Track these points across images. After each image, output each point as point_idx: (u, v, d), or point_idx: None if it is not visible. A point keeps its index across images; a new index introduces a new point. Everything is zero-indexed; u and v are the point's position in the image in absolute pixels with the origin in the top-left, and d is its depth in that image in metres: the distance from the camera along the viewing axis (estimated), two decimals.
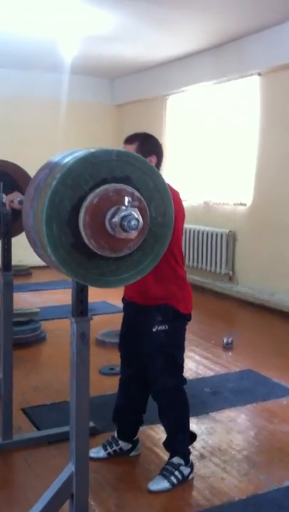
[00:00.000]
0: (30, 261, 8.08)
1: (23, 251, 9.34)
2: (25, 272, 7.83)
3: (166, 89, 7.70)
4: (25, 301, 6.29)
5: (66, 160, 1.71)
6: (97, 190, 1.67)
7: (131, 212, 1.64)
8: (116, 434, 2.95)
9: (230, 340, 4.73)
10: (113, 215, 1.65)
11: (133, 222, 1.63)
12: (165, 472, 2.70)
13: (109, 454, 2.91)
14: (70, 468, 2.01)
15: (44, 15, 5.42)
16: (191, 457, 2.92)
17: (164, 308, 2.65)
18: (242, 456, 2.96)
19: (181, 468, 2.70)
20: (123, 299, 2.88)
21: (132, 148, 2.61)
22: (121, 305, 2.91)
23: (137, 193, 1.71)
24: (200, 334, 5.12)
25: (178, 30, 6.00)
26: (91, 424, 3.20)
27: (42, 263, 2.80)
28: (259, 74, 6.22)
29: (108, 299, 5.89)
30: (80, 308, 1.98)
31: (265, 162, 6.24)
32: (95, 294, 6.98)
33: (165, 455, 2.94)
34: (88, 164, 1.68)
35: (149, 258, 1.82)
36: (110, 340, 4.55)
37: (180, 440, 2.79)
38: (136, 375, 2.85)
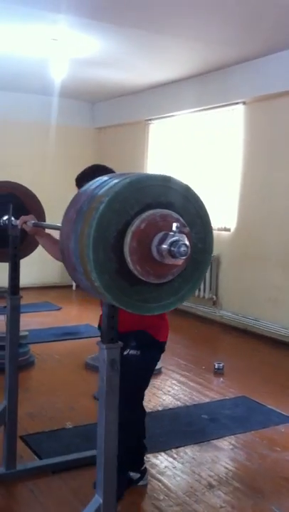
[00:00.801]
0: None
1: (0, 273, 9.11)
2: (3, 294, 7.66)
3: (149, 114, 7.77)
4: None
5: (110, 184, 1.69)
6: (144, 215, 1.65)
7: (180, 238, 1.62)
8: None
9: (221, 365, 4.72)
10: (161, 241, 1.62)
11: (182, 249, 1.61)
12: None
13: None
14: (97, 500, 1.94)
15: (32, 37, 5.42)
16: (199, 486, 2.89)
17: (141, 334, 2.57)
18: (250, 486, 2.92)
19: None
20: (99, 327, 2.74)
21: None
22: None
23: (181, 219, 1.70)
24: (189, 359, 5.10)
25: (164, 57, 6.08)
26: (95, 452, 3.13)
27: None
28: (244, 103, 6.34)
29: (91, 322, 5.82)
30: (111, 334, 1.95)
31: (248, 188, 6.34)
32: (78, 317, 6.82)
33: (172, 484, 2.89)
34: (134, 189, 1.66)
35: (189, 285, 1.80)
36: None
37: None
38: None
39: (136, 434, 2.70)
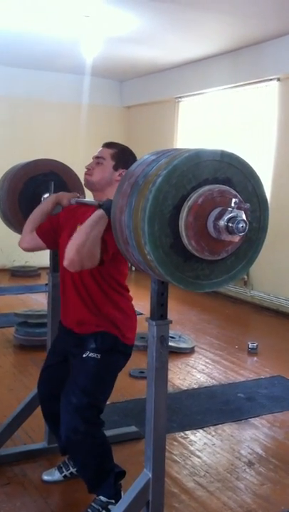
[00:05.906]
0: (38, 262, 8.00)
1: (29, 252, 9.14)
2: (34, 272, 7.74)
3: (178, 92, 7.66)
4: (37, 302, 6.22)
5: (166, 159, 1.67)
6: (201, 191, 1.63)
7: (238, 214, 1.60)
8: None
9: (255, 345, 4.70)
10: (219, 217, 1.60)
11: (241, 225, 1.59)
12: (90, 510, 2.33)
13: (65, 476, 2.64)
14: (146, 475, 1.96)
15: (65, 15, 5.36)
16: (239, 463, 2.90)
17: (101, 335, 2.31)
18: None
19: (110, 506, 2.30)
20: (60, 323, 2.52)
21: (108, 152, 2.42)
22: None
23: (239, 196, 1.67)
24: (222, 338, 5.09)
25: (197, 33, 5.96)
26: (134, 428, 3.17)
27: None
28: (278, 79, 6.21)
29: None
30: (160, 311, 1.94)
31: (282, 168, 6.24)
32: None
33: (212, 461, 2.91)
34: (192, 164, 1.63)
35: (241, 263, 1.79)
36: (135, 343, 4.50)
37: (106, 487, 2.34)
38: None
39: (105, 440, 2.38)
